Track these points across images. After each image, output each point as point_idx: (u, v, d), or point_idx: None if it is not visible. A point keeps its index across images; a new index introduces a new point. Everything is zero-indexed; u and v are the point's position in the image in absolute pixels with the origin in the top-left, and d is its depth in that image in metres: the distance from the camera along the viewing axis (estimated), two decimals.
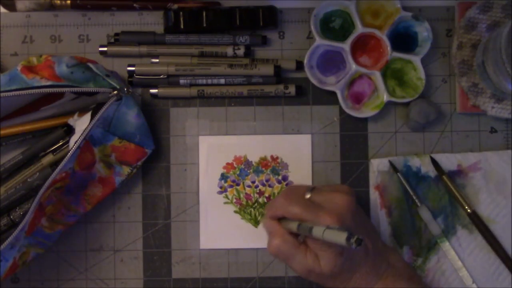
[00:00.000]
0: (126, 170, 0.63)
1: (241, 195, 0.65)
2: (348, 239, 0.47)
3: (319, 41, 0.64)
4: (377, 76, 0.64)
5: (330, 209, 0.55)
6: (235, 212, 0.65)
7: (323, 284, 0.59)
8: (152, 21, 0.66)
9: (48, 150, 0.62)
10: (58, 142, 0.62)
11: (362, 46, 0.65)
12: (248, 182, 0.65)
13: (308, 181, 0.65)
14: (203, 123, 0.66)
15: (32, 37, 0.66)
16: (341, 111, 0.65)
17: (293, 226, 0.55)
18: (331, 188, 0.60)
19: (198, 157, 0.65)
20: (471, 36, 0.64)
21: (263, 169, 0.65)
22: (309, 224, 0.53)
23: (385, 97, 0.64)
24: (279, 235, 0.57)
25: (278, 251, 0.57)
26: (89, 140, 0.60)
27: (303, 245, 0.56)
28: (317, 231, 0.51)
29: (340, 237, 0.48)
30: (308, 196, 0.58)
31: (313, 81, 0.64)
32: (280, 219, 0.58)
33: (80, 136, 0.57)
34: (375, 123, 0.66)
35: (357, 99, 0.65)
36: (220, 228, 0.65)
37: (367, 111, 0.65)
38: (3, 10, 0.66)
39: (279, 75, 0.65)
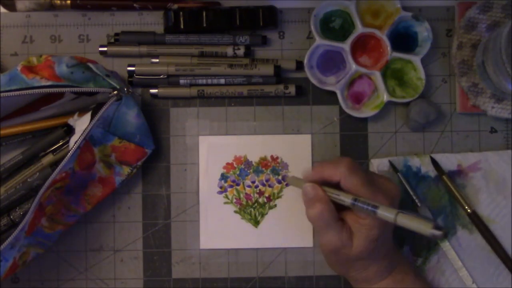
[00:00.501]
0: (126, 170, 0.63)
1: (241, 195, 0.65)
2: (435, 228, 0.45)
3: (319, 41, 0.64)
4: (377, 76, 0.64)
5: (385, 192, 0.55)
6: (235, 212, 0.65)
7: (339, 266, 0.58)
8: (152, 21, 0.66)
9: (48, 150, 0.62)
10: (58, 142, 0.62)
11: (362, 46, 0.65)
12: (248, 182, 0.65)
13: None
14: (203, 123, 0.66)
15: (32, 37, 0.66)
16: (341, 111, 0.65)
17: (346, 198, 0.53)
18: (378, 175, 0.59)
19: (198, 157, 0.65)
20: (471, 36, 0.64)
21: (263, 169, 0.65)
22: (372, 201, 0.51)
23: (385, 97, 0.64)
24: (325, 202, 0.55)
25: (319, 218, 0.55)
26: (89, 140, 0.60)
27: (341, 220, 0.56)
28: (386, 212, 0.49)
29: (422, 225, 0.46)
30: None
31: (313, 81, 0.64)
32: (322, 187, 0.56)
33: (80, 136, 0.57)
34: (375, 123, 0.66)
35: (357, 99, 0.65)
36: (220, 228, 0.65)
37: (367, 111, 0.65)
38: (3, 10, 0.66)
39: (279, 75, 0.65)
